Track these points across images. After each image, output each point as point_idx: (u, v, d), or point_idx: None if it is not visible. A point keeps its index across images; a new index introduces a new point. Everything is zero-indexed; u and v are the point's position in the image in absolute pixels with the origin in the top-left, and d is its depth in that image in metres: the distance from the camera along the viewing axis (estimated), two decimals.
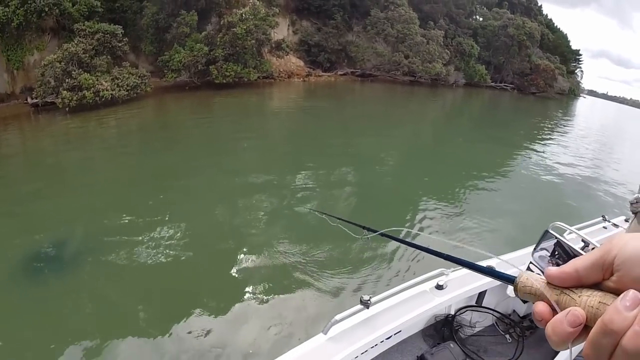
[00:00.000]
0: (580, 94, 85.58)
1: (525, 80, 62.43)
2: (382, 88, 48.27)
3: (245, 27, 35.77)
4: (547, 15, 74.02)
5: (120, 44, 31.16)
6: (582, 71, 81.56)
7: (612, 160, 27.01)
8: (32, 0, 27.23)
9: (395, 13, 48.00)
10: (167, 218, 11.57)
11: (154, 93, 32.77)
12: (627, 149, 36.55)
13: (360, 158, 19.08)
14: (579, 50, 79.03)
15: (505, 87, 62.00)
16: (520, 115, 45.73)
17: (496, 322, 5.59)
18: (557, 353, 4.75)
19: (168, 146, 20.07)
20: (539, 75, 61.57)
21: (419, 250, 9.37)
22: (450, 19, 54.45)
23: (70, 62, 28.06)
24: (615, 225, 7.04)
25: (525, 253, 5.45)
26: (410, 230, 11.02)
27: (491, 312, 5.55)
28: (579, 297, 0.71)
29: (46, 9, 27.86)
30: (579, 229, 5.57)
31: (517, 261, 5.27)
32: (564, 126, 40.93)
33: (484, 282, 5.17)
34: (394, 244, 10.07)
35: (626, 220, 7.14)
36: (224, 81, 35.95)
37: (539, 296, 0.79)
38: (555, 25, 73.90)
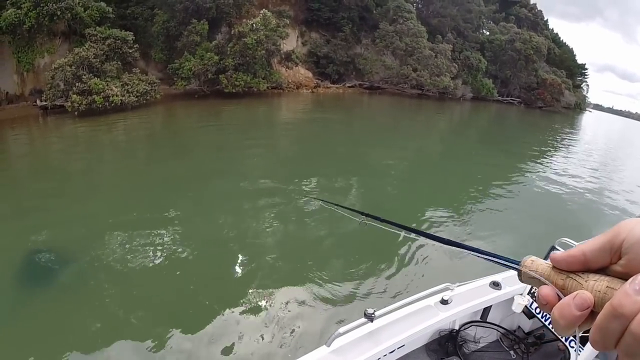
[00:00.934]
0: (586, 108, 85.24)
1: (532, 94, 62.19)
2: (390, 101, 47.97)
3: (255, 37, 35.59)
4: (552, 30, 74.17)
5: (130, 50, 30.98)
6: (587, 85, 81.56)
7: (618, 174, 26.47)
8: (45, 4, 27.16)
9: (404, 26, 47.85)
10: (171, 225, 11.35)
11: (163, 100, 32.56)
12: (633, 164, 35.97)
13: (366, 170, 18.82)
14: (585, 64, 79.12)
15: (512, 101, 61.72)
16: (526, 129, 45.31)
17: (501, 338, 5.54)
18: None
19: (176, 153, 19.81)
20: (545, 89, 61.33)
21: (424, 262, 9.49)
22: (457, 32, 54.36)
23: (80, 66, 27.83)
24: None
25: None
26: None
27: (496, 327, 5.49)
28: (586, 281, 0.70)
29: (58, 13, 27.79)
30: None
31: None
32: (570, 140, 40.49)
33: (489, 297, 5.19)
34: (399, 257, 9.89)
35: None
36: (234, 90, 35.65)
37: (543, 281, 0.76)
38: (561, 39, 73.84)
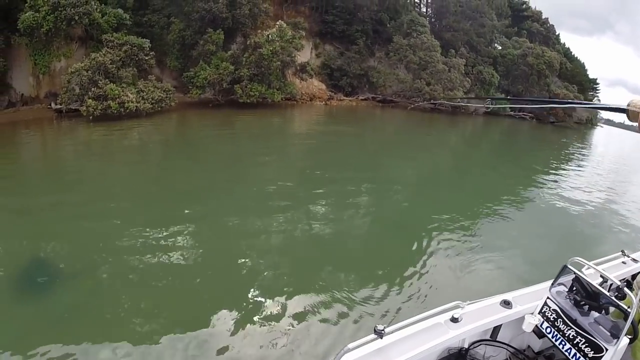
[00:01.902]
0: (598, 123, 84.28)
1: (544, 109, 61.40)
2: (402, 114, 47.32)
3: (271, 48, 35.43)
4: (564, 44, 73.51)
5: (147, 58, 30.88)
6: (599, 100, 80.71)
7: (631, 191, 25.33)
8: (63, 8, 27.15)
9: (417, 40, 47.47)
10: (180, 233, 11.09)
11: (177, 108, 32.41)
12: None
13: (377, 183, 18.34)
14: (596, 79, 78.30)
15: (524, 116, 60.93)
16: (538, 145, 44.41)
17: (510, 357, 5.43)
18: None
19: (188, 162, 19.62)
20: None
21: (435, 278, 9.46)
22: (470, 47, 53.97)
23: (97, 71, 27.78)
24: (634, 260, 6.82)
25: (542, 288, 5.47)
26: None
27: (505, 347, 5.38)
28: None
29: (76, 18, 27.77)
30: (597, 264, 5.53)
31: (534, 296, 5.41)
32: (582, 156, 39.42)
33: (500, 316, 5.12)
34: (410, 272, 9.73)
35: None
36: (248, 101, 35.29)
37: None
38: (572, 54, 73.20)
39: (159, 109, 29.96)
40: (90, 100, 26.54)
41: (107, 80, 27.66)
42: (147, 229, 11.13)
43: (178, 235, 10.87)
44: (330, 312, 8.06)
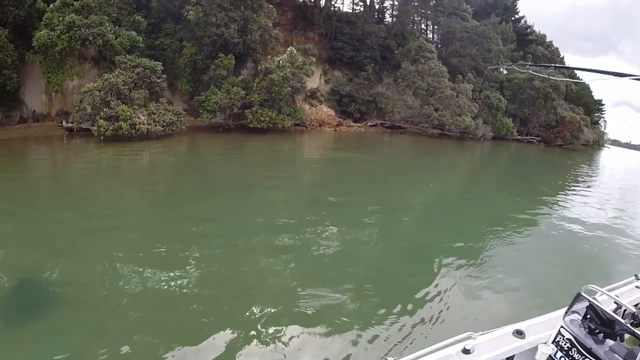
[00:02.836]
0: (604, 145, 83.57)
1: (552, 132, 61.03)
2: (411, 140, 46.99)
3: (282, 74, 35.28)
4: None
5: (159, 80, 30.75)
6: (605, 121, 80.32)
7: None
8: (78, 28, 27.36)
9: (425, 66, 47.42)
10: (183, 259, 10.75)
11: (188, 131, 32.13)
12: None
13: (386, 209, 17.92)
14: (601, 100, 77.91)
15: (531, 139, 60.44)
16: (547, 168, 43.92)
17: None
18: None
19: (197, 186, 19.24)
20: (565, 127, 60.16)
21: (446, 307, 9.22)
22: (476, 72, 53.90)
23: (109, 92, 27.63)
24: None
25: (556, 317, 5.38)
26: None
27: None
28: None
29: (90, 38, 27.93)
30: (611, 290, 5.56)
31: (547, 325, 5.31)
32: (590, 178, 38.80)
33: (513, 346, 5.03)
34: (419, 300, 9.50)
35: None
36: (259, 126, 34.98)
37: None
38: (577, 76, 72.94)
39: (170, 131, 29.62)
40: (101, 120, 26.29)
41: (119, 101, 27.52)
42: (152, 252, 10.92)
43: (182, 259, 10.62)
44: (339, 341, 7.80)
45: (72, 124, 27.80)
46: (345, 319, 8.44)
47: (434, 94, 47.70)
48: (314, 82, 42.93)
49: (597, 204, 24.65)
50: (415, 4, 55.14)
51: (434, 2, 54.29)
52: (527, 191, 26.89)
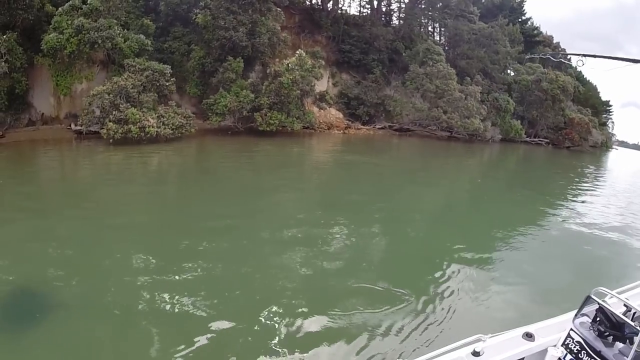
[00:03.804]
0: (612, 146, 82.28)
1: (560, 134, 60.05)
2: (419, 143, 46.43)
3: (291, 77, 34.80)
4: (576, 68, 72.19)
5: (167, 83, 30.46)
6: (613, 122, 79.11)
7: None
8: (87, 31, 27.09)
9: (434, 69, 46.77)
10: (192, 262, 10.51)
11: (197, 134, 31.91)
12: None
13: (395, 212, 17.82)
14: (609, 101, 76.66)
15: (539, 141, 59.55)
16: (555, 170, 42.94)
17: None
18: None
19: (206, 189, 19.06)
20: (573, 129, 59.26)
21: (455, 310, 9.06)
22: (485, 74, 53.18)
23: (118, 95, 27.34)
24: None
25: (565, 319, 5.35)
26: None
27: None
28: None
29: (99, 41, 27.65)
30: (621, 292, 5.53)
31: (557, 328, 5.30)
32: (599, 179, 37.99)
33: (522, 349, 5.00)
34: (428, 303, 9.34)
35: None
36: (268, 129, 34.61)
37: None
38: (584, 77, 71.84)
39: (179, 134, 29.34)
40: (111, 123, 26.09)
41: (128, 104, 27.25)
42: (157, 258, 10.66)
43: (189, 264, 10.32)
44: (349, 344, 7.69)
45: (81, 126, 27.65)
46: (354, 322, 8.38)
47: (442, 97, 47.02)
48: (322, 85, 42.43)
49: (605, 206, 24.00)
50: (422, 6, 54.63)
51: (440, 4, 53.63)
52: (535, 194, 26.36)
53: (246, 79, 35.86)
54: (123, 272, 9.87)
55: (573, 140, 60.24)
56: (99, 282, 9.27)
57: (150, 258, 10.70)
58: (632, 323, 4.68)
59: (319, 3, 50.09)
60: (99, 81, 29.02)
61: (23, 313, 8.04)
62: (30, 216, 13.33)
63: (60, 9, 28.29)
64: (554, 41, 68.30)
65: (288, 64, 35.72)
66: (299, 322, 8.25)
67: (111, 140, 25.93)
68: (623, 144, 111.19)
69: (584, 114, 61.73)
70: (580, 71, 69.44)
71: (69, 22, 27.51)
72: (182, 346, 7.22)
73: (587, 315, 5.03)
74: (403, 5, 55.20)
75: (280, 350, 7.38)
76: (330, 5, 49.65)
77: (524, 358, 5.07)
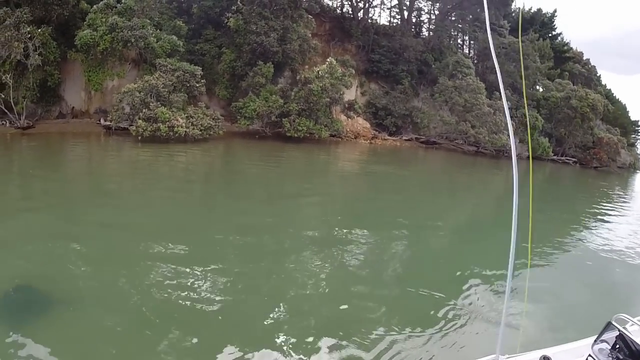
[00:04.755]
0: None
1: (588, 153, 57.91)
2: (446, 156, 45.11)
3: (321, 84, 34.08)
4: (605, 85, 69.65)
5: (198, 85, 30.24)
6: None
7: None
8: (120, 30, 27.14)
9: (463, 82, 45.59)
10: (209, 266, 10.13)
11: (224, 137, 31.48)
12: None
13: (417, 226, 16.93)
14: (638, 121, 73.88)
15: (567, 160, 57.56)
16: (581, 190, 41.31)
17: None
18: None
19: (231, 191, 19.04)
20: (601, 148, 57.17)
21: (468, 330, 8.66)
22: (513, 89, 51.78)
23: (149, 93, 27.09)
24: None
25: (584, 345, 5.06)
26: None
27: None
28: None
29: (132, 40, 27.64)
30: None
31: (575, 353, 5.07)
32: (626, 202, 36.14)
33: None
34: (438, 323, 8.70)
35: None
36: (296, 135, 33.90)
37: None
38: (614, 95, 69.25)
39: (207, 136, 28.93)
40: (140, 121, 25.81)
41: (158, 103, 27.00)
42: (171, 259, 10.13)
43: (206, 267, 9.97)
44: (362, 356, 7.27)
45: (110, 122, 27.69)
46: (370, 335, 7.93)
47: (471, 111, 45.68)
48: (350, 94, 41.62)
49: (631, 231, 22.37)
50: (453, 18, 53.69)
51: (471, 16, 52.63)
52: (560, 214, 24.99)
53: (275, 85, 35.30)
54: (141, 264, 9.68)
55: (601, 161, 58.06)
56: (117, 276, 8.99)
57: (170, 253, 10.47)
58: None
59: (350, 12, 49.45)
60: (130, 79, 28.98)
61: (37, 305, 7.66)
62: (54, 206, 13.16)
63: (95, 6, 28.53)
64: (584, 57, 66.40)
65: (318, 72, 35.00)
66: (307, 332, 7.94)
67: (139, 138, 25.74)
68: None
69: (612, 133, 59.60)
70: (610, 89, 67.53)
71: (103, 19, 27.65)
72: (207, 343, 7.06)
73: (607, 342, 4.77)
74: (433, 17, 54.30)
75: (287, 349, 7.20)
76: (360, 14, 49.02)
77: None
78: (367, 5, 49.59)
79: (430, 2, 53.33)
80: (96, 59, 28.09)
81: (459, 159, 44.97)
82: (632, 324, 4.95)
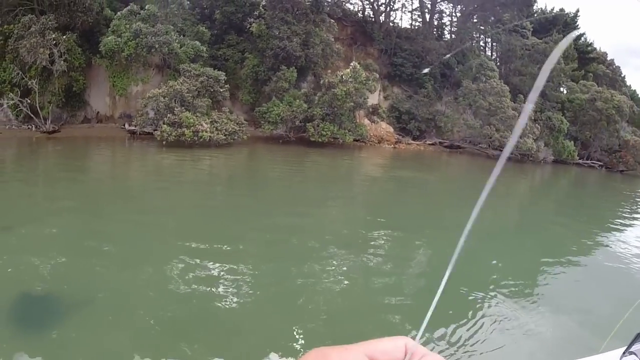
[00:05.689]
0: None
1: (614, 157, 55.73)
2: (470, 161, 43.74)
3: (345, 89, 33.20)
4: (630, 86, 66.47)
5: (221, 90, 29.71)
6: None
7: None
8: (144, 36, 27.00)
9: (487, 85, 44.24)
10: (227, 272, 9.84)
11: (248, 142, 31.00)
12: None
13: (439, 233, 16.13)
14: None
15: (592, 164, 55.47)
16: (608, 195, 39.52)
17: None
18: None
19: (255, 195, 18.51)
20: (628, 151, 55.02)
21: (494, 337, 8.38)
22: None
23: (173, 98, 26.71)
24: None
25: (612, 356, 4.04)
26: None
27: None
28: None
29: (156, 46, 27.43)
30: None
31: None
32: None
33: None
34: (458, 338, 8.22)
35: None
36: (320, 140, 33.08)
37: None
38: (638, 95, 66.93)
39: (231, 140, 28.45)
40: (165, 125, 25.47)
41: (182, 108, 26.58)
42: (197, 255, 10.19)
43: (231, 269, 9.88)
44: None
45: (135, 127, 27.74)
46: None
47: (495, 114, 44.21)
48: (373, 98, 40.62)
49: None
50: (475, 20, 52.39)
51: (492, 18, 51.30)
52: (587, 221, 24.03)
53: (298, 89, 34.66)
54: (163, 266, 9.51)
55: (628, 164, 55.82)
56: (142, 278, 8.97)
57: (190, 255, 10.22)
58: None
59: (371, 15, 48.51)
60: (154, 84, 28.87)
61: (62, 307, 7.42)
62: (79, 210, 13.11)
63: (119, 13, 28.45)
64: (608, 57, 64.20)
65: (342, 76, 34.20)
66: (324, 338, 7.88)
67: (164, 142, 25.53)
68: None
69: (639, 136, 57.58)
70: (635, 90, 65.13)
71: (127, 26, 27.49)
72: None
73: (635, 354, 4.14)
74: (455, 20, 53.18)
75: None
76: (382, 17, 48.12)
77: None
78: (388, 8, 48.67)
79: (451, 5, 52.18)
80: (120, 65, 28.09)
81: (483, 164, 43.52)
82: None
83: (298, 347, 7.39)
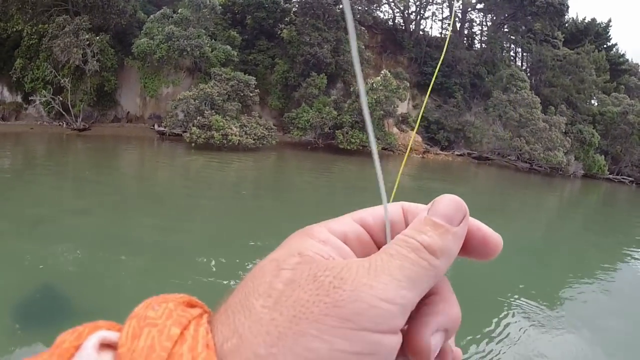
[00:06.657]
0: None
1: None
2: (499, 173, 42.10)
3: (375, 97, 32.20)
4: None
5: (251, 94, 29.16)
6: None
7: None
8: (176, 39, 26.89)
9: (517, 96, 42.59)
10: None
11: (276, 147, 30.33)
12: None
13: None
14: None
15: (623, 179, 53.18)
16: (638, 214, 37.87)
17: None
18: None
19: (282, 201, 18.27)
20: None
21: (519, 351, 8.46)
22: (568, 103, 48.22)
23: (204, 101, 26.33)
24: None
25: None
26: None
27: None
28: None
29: (188, 49, 27.29)
30: None
31: None
32: None
33: None
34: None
35: None
36: (348, 147, 32.19)
37: None
38: None
39: (260, 145, 27.82)
40: (194, 128, 25.16)
41: (212, 111, 26.21)
42: (219, 259, 10.30)
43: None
44: None
45: (164, 128, 27.79)
46: None
47: (525, 126, 42.47)
48: (402, 107, 39.55)
49: None
50: (505, 29, 50.90)
51: (523, 27, 49.69)
52: (616, 239, 22.84)
53: (328, 96, 33.86)
54: (185, 269, 9.45)
55: None
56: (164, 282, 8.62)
57: (213, 259, 10.23)
58: None
59: (402, 24, 47.64)
60: (184, 87, 28.72)
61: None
62: (106, 209, 13.04)
63: (152, 16, 28.46)
64: None
65: (372, 84, 33.22)
66: None
67: (193, 144, 25.27)
68: None
69: None
70: None
71: (160, 29, 27.33)
72: None
73: None
74: (485, 29, 51.78)
75: None
76: (412, 26, 47.16)
77: None
78: (418, 17, 47.70)
79: (482, 14, 50.88)
80: (152, 67, 28.17)
81: (513, 177, 41.88)
82: None
83: None
